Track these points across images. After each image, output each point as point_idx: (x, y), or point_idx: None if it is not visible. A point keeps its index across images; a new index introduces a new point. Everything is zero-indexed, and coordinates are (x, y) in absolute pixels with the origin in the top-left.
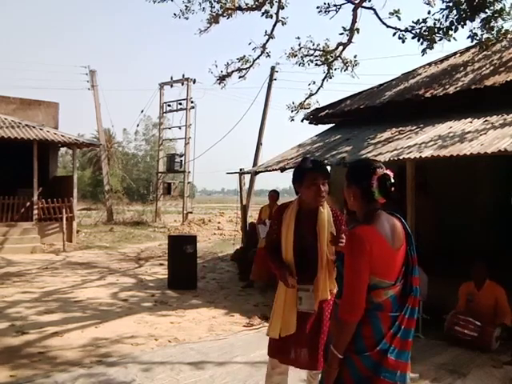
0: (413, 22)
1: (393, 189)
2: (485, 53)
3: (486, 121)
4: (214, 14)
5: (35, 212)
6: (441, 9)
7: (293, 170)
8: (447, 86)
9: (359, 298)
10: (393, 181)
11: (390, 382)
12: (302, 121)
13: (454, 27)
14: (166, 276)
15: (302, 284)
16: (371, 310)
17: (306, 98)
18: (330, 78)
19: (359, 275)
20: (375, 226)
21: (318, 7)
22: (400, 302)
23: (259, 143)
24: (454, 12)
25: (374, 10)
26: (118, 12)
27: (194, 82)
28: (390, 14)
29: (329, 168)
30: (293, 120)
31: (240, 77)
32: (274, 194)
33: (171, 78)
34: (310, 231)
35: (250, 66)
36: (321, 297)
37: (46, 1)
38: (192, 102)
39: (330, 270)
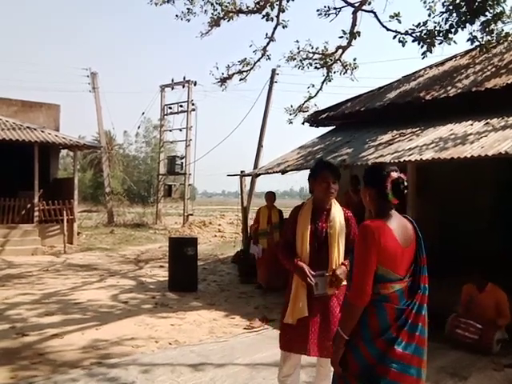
0: (413, 25)
1: (406, 191)
2: (486, 55)
3: (486, 123)
4: (216, 17)
5: (36, 214)
6: (441, 12)
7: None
8: (448, 88)
9: (366, 285)
10: (406, 184)
11: (402, 373)
12: (302, 123)
13: (453, 30)
14: (167, 278)
15: (316, 271)
16: (378, 301)
17: (305, 101)
18: (330, 81)
19: (367, 263)
20: (386, 220)
21: (318, 10)
22: (408, 297)
23: (260, 145)
24: (454, 15)
25: (374, 13)
26: (119, 14)
27: (195, 85)
28: (391, 17)
29: None
30: (291, 123)
31: (241, 79)
32: (271, 195)
33: (172, 81)
34: (323, 228)
35: (251, 68)
36: (336, 283)
37: (47, 2)
38: (193, 105)
39: (341, 264)
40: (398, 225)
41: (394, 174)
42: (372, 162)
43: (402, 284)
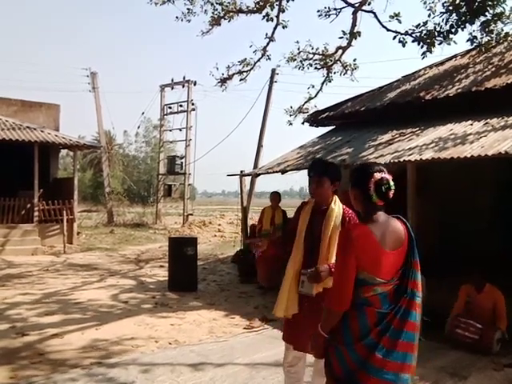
0: (413, 25)
1: (391, 192)
2: (486, 55)
3: (486, 123)
4: (216, 16)
5: (36, 214)
6: (441, 12)
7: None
8: (448, 88)
9: (346, 290)
10: (391, 184)
11: (382, 380)
12: (302, 123)
13: (454, 30)
14: (167, 278)
15: (306, 269)
16: (359, 305)
17: (305, 102)
18: (330, 81)
19: (346, 269)
20: (368, 225)
21: (318, 11)
22: (392, 301)
23: (260, 145)
24: (454, 15)
25: (374, 13)
26: (119, 14)
27: (195, 84)
28: (391, 17)
29: None
30: (291, 124)
31: (241, 79)
32: (276, 196)
33: (172, 80)
34: (319, 226)
35: (251, 68)
36: (322, 284)
37: (47, 2)
38: (193, 104)
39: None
40: (384, 227)
41: (377, 175)
42: (355, 161)
43: (386, 287)
